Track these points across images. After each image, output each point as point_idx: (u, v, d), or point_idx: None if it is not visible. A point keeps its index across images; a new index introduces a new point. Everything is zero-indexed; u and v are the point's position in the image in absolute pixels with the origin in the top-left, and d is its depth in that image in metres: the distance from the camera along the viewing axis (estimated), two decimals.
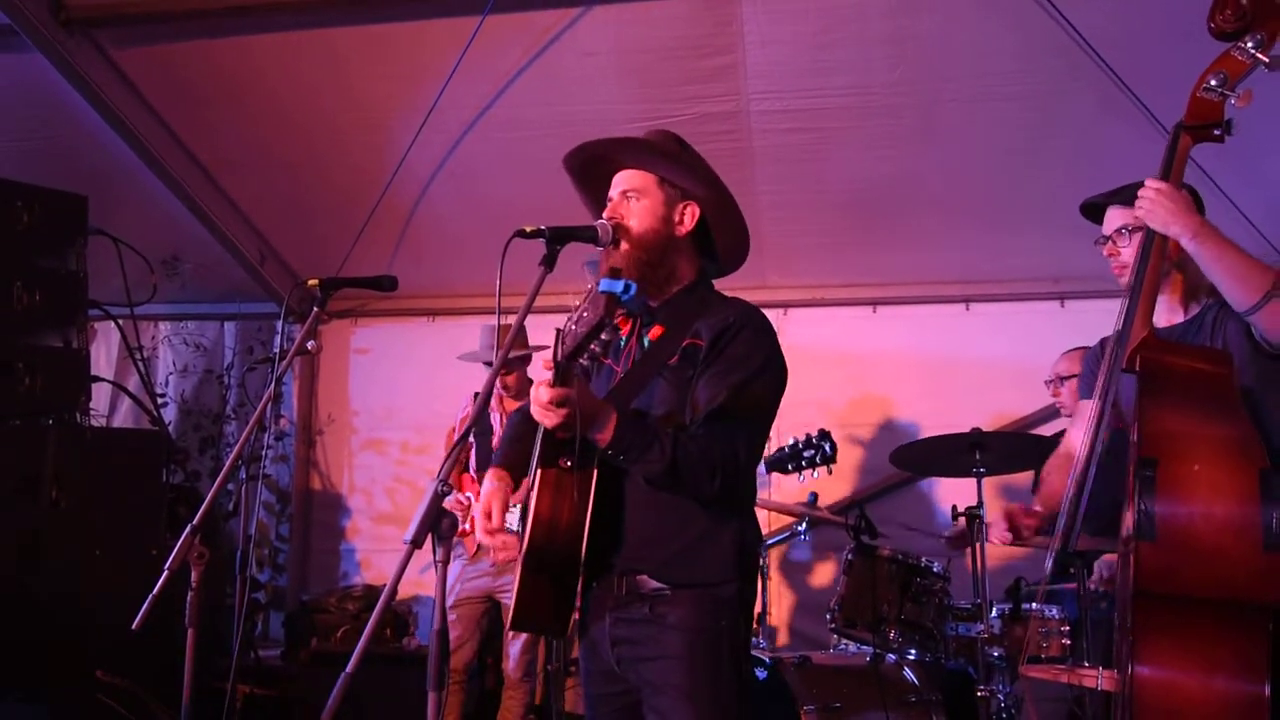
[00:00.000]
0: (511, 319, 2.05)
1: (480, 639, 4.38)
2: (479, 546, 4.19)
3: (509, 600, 2.31)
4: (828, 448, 3.87)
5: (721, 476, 2.03)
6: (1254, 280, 2.22)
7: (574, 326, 1.92)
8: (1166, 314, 2.55)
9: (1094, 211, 2.62)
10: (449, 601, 4.32)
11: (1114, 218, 2.55)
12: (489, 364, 4.48)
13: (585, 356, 1.91)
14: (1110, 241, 2.54)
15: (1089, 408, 2.61)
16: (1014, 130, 4.20)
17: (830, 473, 3.96)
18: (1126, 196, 2.46)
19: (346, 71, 4.31)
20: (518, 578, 2.11)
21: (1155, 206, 2.27)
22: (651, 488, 2.07)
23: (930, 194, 4.61)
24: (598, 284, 1.86)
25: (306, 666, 4.80)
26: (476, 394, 4.55)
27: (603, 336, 1.86)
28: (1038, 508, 2.64)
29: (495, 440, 4.44)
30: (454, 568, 4.25)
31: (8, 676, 3.22)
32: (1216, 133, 2.25)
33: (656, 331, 2.19)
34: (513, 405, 4.47)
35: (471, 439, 4.50)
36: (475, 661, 4.44)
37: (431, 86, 4.23)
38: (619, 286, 1.83)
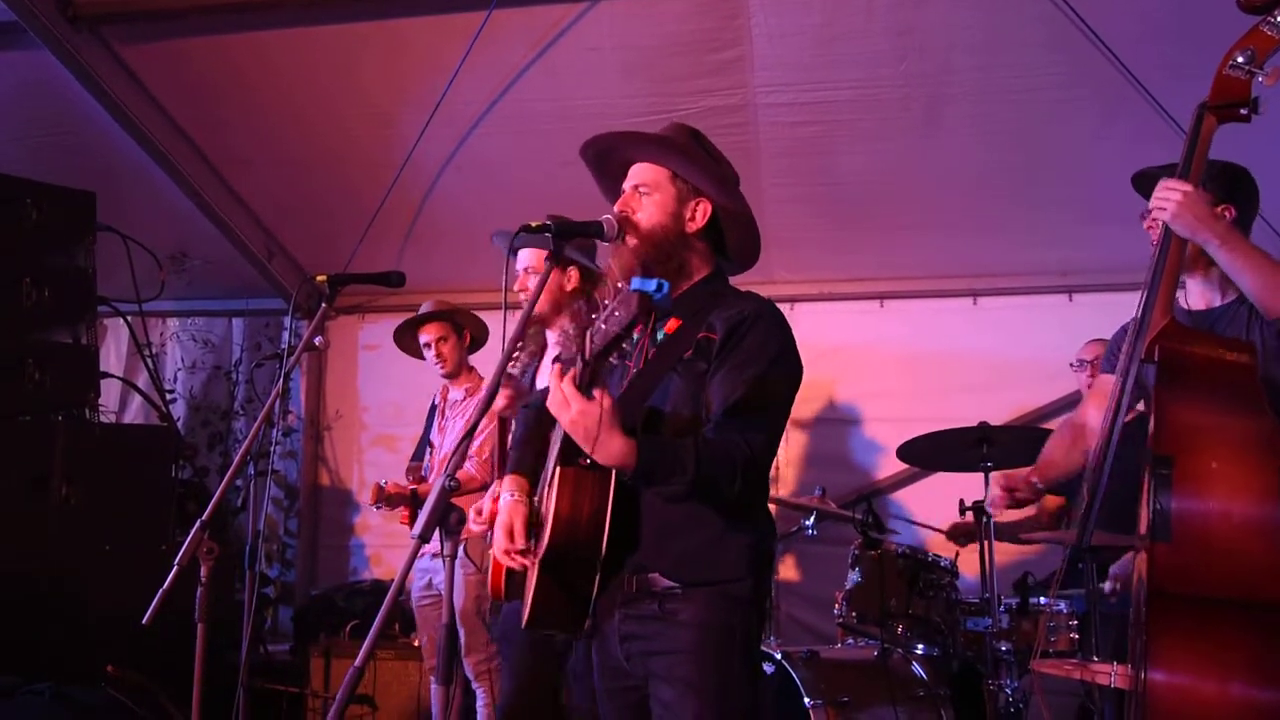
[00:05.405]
0: (517, 314, 2.04)
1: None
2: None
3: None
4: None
5: (742, 477, 2.01)
6: None
7: (604, 325, 1.88)
8: (1204, 296, 2.51)
9: (1145, 183, 2.53)
10: (413, 599, 4.26)
11: None
12: None
13: (615, 355, 1.90)
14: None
15: (1108, 382, 2.52)
16: (1021, 123, 4.18)
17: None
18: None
19: (353, 67, 4.32)
20: (533, 577, 2.10)
21: (1182, 211, 2.20)
22: None
23: (937, 187, 4.59)
24: (629, 283, 1.84)
25: (315, 661, 4.81)
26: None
27: (633, 335, 1.85)
28: (1034, 479, 2.62)
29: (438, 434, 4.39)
30: (424, 563, 4.13)
31: (18, 671, 3.23)
32: (1243, 112, 2.16)
33: (671, 326, 2.17)
34: (458, 388, 4.36)
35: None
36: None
37: (438, 81, 4.23)
38: (652, 285, 1.80)
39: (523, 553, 2.19)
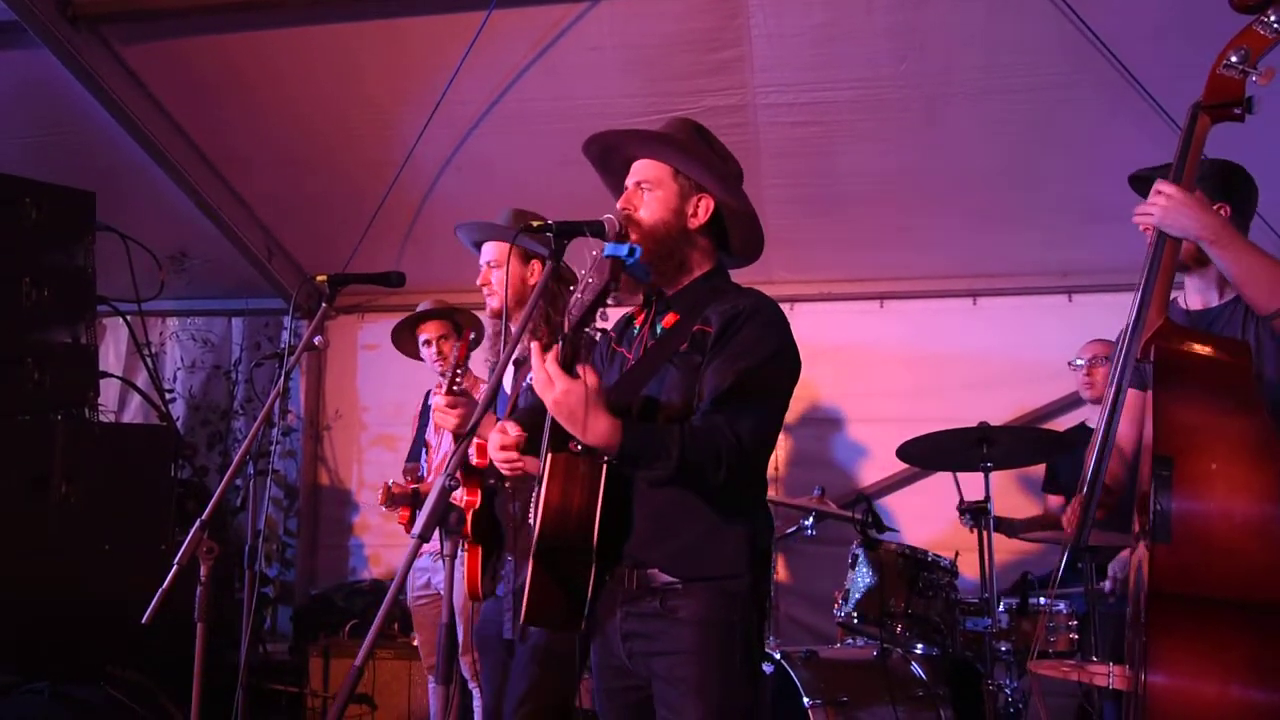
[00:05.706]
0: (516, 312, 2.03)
1: None
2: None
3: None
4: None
5: (727, 466, 1.98)
6: (1276, 284, 2.17)
7: (580, 295, 1.86)
8: (1202, 296, 2.51)
9: (1142, 185, 2.50)
10: (409, 598, 4.24)
11: None
12: None
13: (592, 327, 1.88)
14: None
15: (1133, 398, 2.49)
16: (1021, 123, 4.18)
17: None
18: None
19: (354, 66, 4.32)
20: (529, 570, 2.07)
21: (1170, 214, 2.20)
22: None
23: (937, 187, 4.59)
24: (603, 249, 1.84)
25: (314, 660, 4.82)
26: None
27: (608, 302, 1.82)
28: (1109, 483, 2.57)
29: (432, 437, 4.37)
30: (421, 562, 4.12)
31: (18, 671, 3.24)
32: (1237, 111, 2.16)
33: (670, 319, 2.17)
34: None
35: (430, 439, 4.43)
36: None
37: (438, 81, 4.23)
38: (624, 250, 1.79)
39: (519, 449, 2.17)
